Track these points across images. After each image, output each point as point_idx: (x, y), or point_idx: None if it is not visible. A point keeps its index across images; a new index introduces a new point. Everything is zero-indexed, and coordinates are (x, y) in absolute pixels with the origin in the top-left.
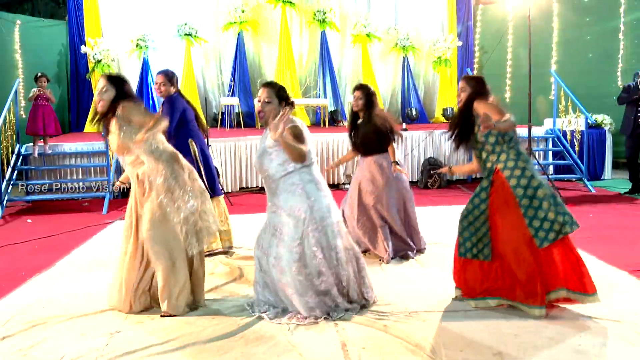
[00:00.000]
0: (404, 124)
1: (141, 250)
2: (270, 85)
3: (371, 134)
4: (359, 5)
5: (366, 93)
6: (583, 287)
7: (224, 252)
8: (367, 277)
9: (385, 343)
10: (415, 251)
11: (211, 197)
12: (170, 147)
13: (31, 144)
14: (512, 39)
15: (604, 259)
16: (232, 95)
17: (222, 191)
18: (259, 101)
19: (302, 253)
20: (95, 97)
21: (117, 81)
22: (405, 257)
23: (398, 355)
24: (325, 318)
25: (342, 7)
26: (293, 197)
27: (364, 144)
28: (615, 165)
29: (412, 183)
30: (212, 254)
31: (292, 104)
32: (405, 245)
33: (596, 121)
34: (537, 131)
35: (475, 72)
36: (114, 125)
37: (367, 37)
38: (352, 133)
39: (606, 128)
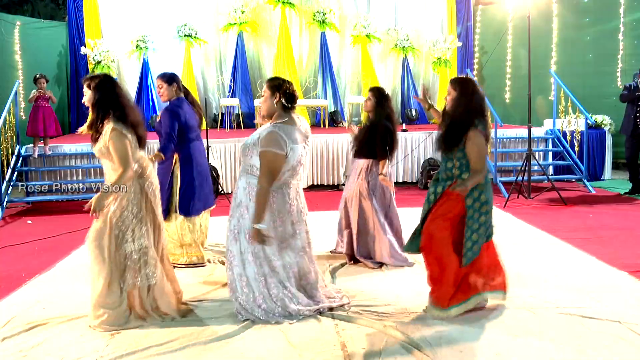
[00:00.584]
0: (404, 124)
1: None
2: (267, 80)
3: (370, 139)
4: (358, 6)
5: (376, 94)
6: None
7: (198, 265)
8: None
9: (385, 344)
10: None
11: (188, 215)
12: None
13: (31, 145)
14: (511, 39)
15: (604, 259)
16: (232, 96)
17: (201, 210)
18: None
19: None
20: (85, 102)
21: (98, 85)
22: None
23: (397, 355)
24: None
25: (342, 8)
26: (245, 196)
27: (361, 146)
28: (615, 166)
29: (411, 184)
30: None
31: (289, 96)
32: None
33: (596, 122)
34: (536, 132)
35: (475, 72)
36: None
37: (367, 37)
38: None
39: (606, 128)
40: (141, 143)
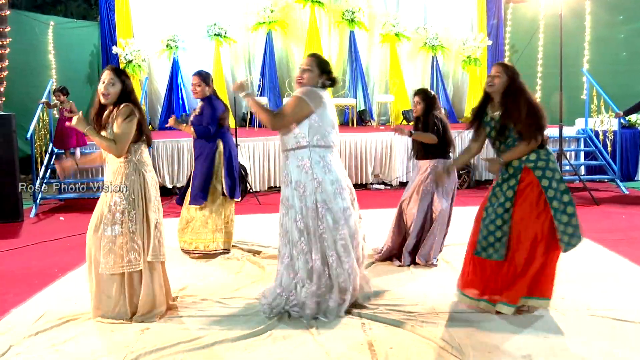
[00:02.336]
0: None
1: None
2: (314, 55)
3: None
4: (388, 5)
5: (424, 98)
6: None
7: (224, 252)
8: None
9: (412, 343)
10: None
11: (233, 198)
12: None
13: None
14: (543, 37)
15: (636, 261)
16: (261, 95)
17: (239, 196)
18: (300, 68)
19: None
20: (101, 89)
21: (123, 76)
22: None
23: (425, 356)
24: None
25: (371, 6)
26: (300, 173)
27: (419, 147)
28: None
29: None
30: (211, 254)
31: (332, 80)
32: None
33: (629, 121)
34: (568, 131)
35: None
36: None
37: (395, 36)
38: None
39: (639, 128)
40: (149, 141)
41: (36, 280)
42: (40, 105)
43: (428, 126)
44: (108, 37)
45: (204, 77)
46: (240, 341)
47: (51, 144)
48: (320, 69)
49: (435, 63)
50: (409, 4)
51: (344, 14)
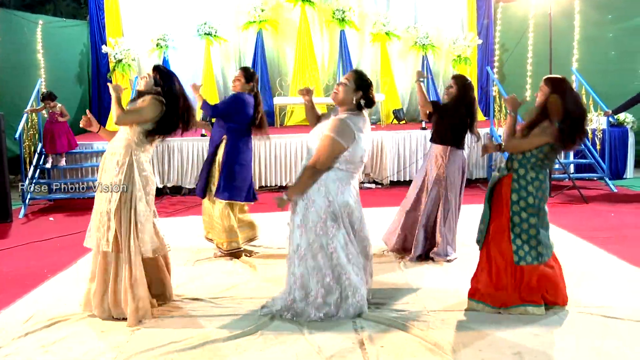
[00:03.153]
0: (424, 122)
1: None
2: (356, 71)
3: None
4: (378, 4)
5: (459, 83)
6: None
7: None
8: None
9: (403, 342)
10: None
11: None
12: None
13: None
14: (533, 36)
15: (625, 258)
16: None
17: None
18: (339, 82)
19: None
20: (140, 79)
21: (164, 77)
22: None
23: (416, 354)
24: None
25: (362, 5)
26: (313, 190)
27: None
28: (638, 164)
29: None
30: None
31: (368, 100)
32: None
33: (618, 119)
34: None
35: (495, 70)
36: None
37: (386, 35)
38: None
39: (628, 126)
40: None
41: (25, 281)
42: (29, 105)
43: (449, 116)
44: (97, 36)
45: (246, 73)
46: (231, 341)
47: (40, 144)
48: (357, 84)
49: (425, 62)
50: (399, 3)
51: (334, 13)
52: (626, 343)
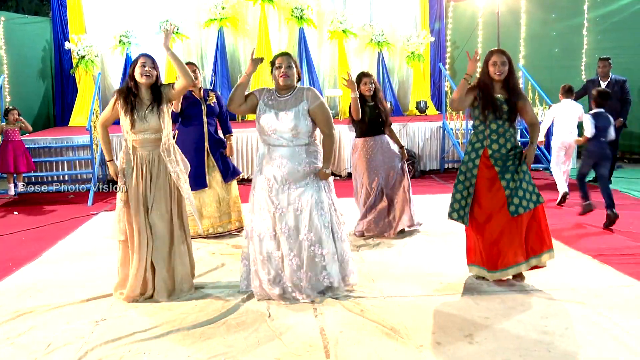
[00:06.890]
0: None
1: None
2: (287, 54)
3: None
4: (335, 2)
5: (374, 80)
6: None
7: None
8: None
9: (361, 327)
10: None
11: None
12: None
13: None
14: (482, 34)
15: (566, 243)
16: (213, 90)
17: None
18: (281, 67)
19: None
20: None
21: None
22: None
23: (374, 338)
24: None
25: (319, 4)
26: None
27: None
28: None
29: None
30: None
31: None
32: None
33: None
34: None
35: (447, 66)
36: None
37: (343, 33)
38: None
39: None
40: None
41: None
42: None
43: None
44: (60, 32)
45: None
46: (195, 329)
47: (2, 137)
48: (295, 64)
49: (381, 58)
50: (355, 2)
51: (293, 11)
52: (569, 324)
